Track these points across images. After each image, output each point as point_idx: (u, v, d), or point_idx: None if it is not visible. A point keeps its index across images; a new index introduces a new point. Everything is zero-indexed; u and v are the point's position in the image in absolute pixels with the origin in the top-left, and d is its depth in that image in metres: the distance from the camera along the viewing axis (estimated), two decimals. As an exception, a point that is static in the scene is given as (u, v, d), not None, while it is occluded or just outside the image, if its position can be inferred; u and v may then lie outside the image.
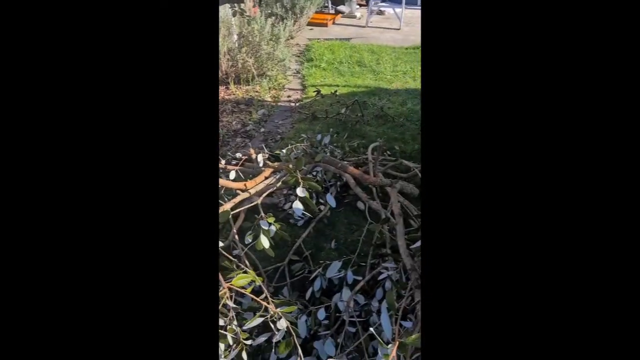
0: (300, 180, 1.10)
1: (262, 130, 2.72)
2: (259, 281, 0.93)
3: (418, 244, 1.11)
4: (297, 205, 1.03)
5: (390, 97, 3.09)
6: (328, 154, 1.94)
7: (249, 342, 0.85)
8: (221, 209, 1.10)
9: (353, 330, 1.01)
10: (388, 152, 2.26)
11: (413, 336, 0.71)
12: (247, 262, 1.17)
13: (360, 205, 1.96)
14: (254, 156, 1.44)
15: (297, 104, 3.05)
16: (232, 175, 1.40)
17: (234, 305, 0.84)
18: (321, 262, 1.52)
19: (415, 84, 3.41)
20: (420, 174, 1.80)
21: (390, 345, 0.70)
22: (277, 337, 0.81)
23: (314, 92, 2.81)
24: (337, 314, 1.13)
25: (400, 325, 0.90)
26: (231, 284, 0.84)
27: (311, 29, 5.04)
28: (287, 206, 1.92)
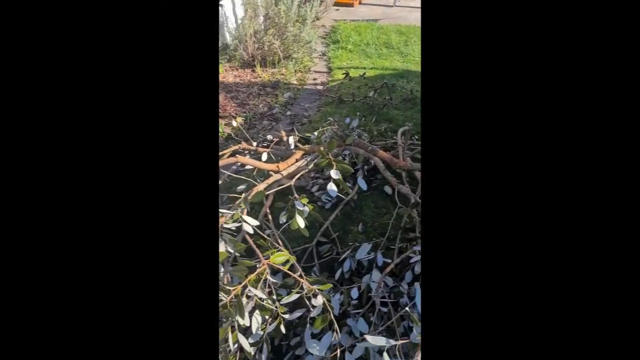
0: (333, 162, 1.11)
1: (289, 113, 2.72)
2: (293, 259, 0.96)
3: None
4: (331, 187, 1.04)
5: (418, 80, 3.01)
6: (360, 139, 1.93)
7: (286, 315, 0.88)
8: (255, 190, 1.13)
9: (385, 309, 1.03)
10: (416, 137, 2.22)
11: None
12: (279, 241, 1.21)
13: (387, 189, 1.95)
14: (284, 139, 1.46)
15: (324, 87, 3.03)
16: (265, 157, 1.43)
17: (274, 280, 0.87)
18: (350, 244, 1.54)
19: (445, 66, 3.29)
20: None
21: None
22: (314, 313, 0.84)
23: (343, 74, 2.77)
24: (367, 295, 1.15)
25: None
26: (269, 261, 0.87)
27: (337, 10, 4.93)
28: (314, 189, 1.95)
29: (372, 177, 2.04)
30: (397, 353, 0.75)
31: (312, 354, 0.90)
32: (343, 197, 1.89)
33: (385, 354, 0.74)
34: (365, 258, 1.30)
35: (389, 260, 1.27)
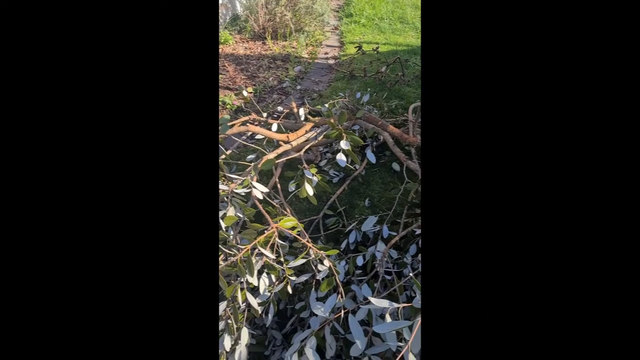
0: (343, 133, 1.11)
1: (299, 87, 2.70)
2: (301, 226, 0.98)
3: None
4: (341, 157, 1.04)
5: (433, 57, 2.94)
6: (366, 112, 1.91)
7: (293, 278, 0.91)
8: (265, 158, 1.14)
9: (389, 277, 1.05)
10: (427, 114, 2.19)
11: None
12: (287, 209, 1.23)
13: (395, 166, 1.95)
14: (295, 110, 1.46)
15: (335, 62, 2.98)
16: (275, 127, 1.43)
17: (282, 243, 0.90)
18: (356, 216, 1.56)
19: (461, 43, 3.20)
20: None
21: (428, 291, 0.73)
22: (320, 276, 0.87)
23: (355, 47, 2.71)
24: (372, 265, 1.18)
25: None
26: (278, 225, 0.89)
27: (351, -18, 4.76)
28: (322, 163, 1.96)
29: (380, 154, 2.03)
30: (399, 317, 0.78)
31: (316, 316, 0.94)
32: (351, 171, 1.90)
33: (387, 316, 0.76)
34: (371, 230, 1.32)
35: (395, 233, 1.29)
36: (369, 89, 2.40)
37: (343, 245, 1.35)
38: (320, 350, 1.03)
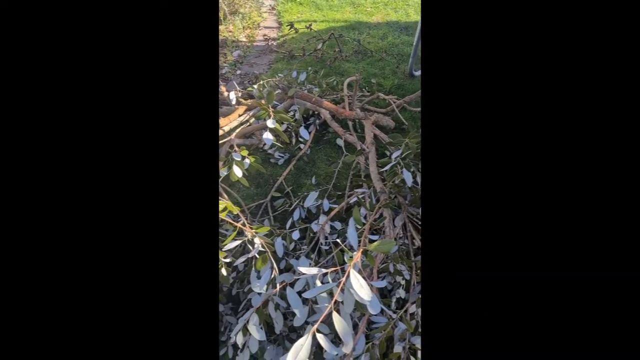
0: (271, 113, 1.11)
1: (239, 72, 2.63)
2: (235, 210, 0.98)
3: (387, 167, 1.16)
4: (267, 135, 1.04)
5: (370, 31, 2.96)
6: (306, 92, 1.91)
7: (227, 260, 0.92)
8: (195, 146, 1.11)
9: (327, 247, 1.09)
10: (366, 88, 2.23)
11: (375, 243, 0.78)
12: (225, 196, 1.21)
13: (339, 142, 1.98)
14: (225, 94, 1.42)
15: (274, 43, 2.92)
16: (205, 114, 1.39)
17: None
18: (304, 195, 1.58)
19: (397, 16, 3.24)
20: (396, 109, 1.81)
21: (354, 252, 0.77)
22: (253, 252, 0.88)
23: (287, 26, 2.66)
24: (316, 238, 1.20)
25: (369, 238, 0.97)
26: (206, 210, 0.88)
27: (286, -41, 4.62)
28: (266, 147, 1.94)
29: (323, 132, 2.05)
30: (330, 280, 0.81)
31: (260, 295, 0.95)
32: (297, 151, 1.90)
33: (317, 282, 0.79)
34: (314, 205, 1.34)
35: (335, 206, 1.32)
36: (309, 68, 2.39)
37: (289, 223, 1.37)
38: (270, 326, 1.05)
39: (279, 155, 1.89)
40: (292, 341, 1.13)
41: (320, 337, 0.65)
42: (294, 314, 1.11)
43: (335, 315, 0.67)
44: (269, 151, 1.92)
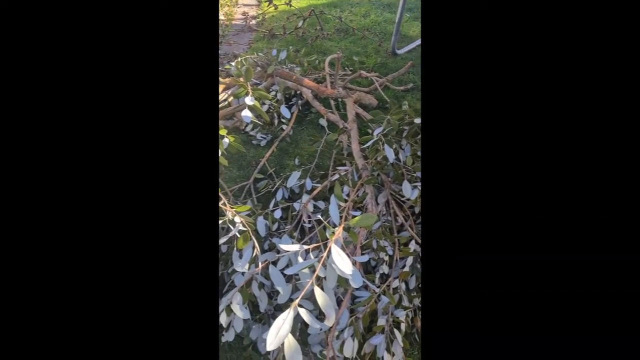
0: (249, 90, 1.07)
1: (218, 52, 2.54)
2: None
3: (369, 144, 1.15)
4: (246, 113, 1.01)
5: (352, 9, 2.89)
6: (287, 71, 1.86)
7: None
8: (171, 126, 1.07)
9: (309, 226, 1.08)
10: (348, 67, 2.19)
11: (356, 218, 0.78)
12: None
13: (322, 121, 1.96)
14: (203, 73, 1.37)
15: (253, 22, 2.82)
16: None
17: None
18: (282, 175, 1.57)
19: (379, -8, 3.17)
20: (379, 87, 1.79)
21: (336, 228, 0.76)
22: (234, 232, 0.86)
23: (266, 2, 2.57)
24: (299, 217, 1.20)
25: (351, 215, 0.97)
26: (183, 190, 0.86)
27: None
28: (249, 128, 1.90)
29: (306, 111, 2.02)
30: (312, 257, 0.81)
31: (242, 274, 0.95)
32: (279, 132, 1.87)
33: (299, 258, 0.79)
34: (296, 185, 1.33)
35: (319, 185, 1.31)
36: (290, 47, 2.32)
37: (272, 204, 1.36)
38: (254, 305, 1.05)
39: (261, 137, 1.85)
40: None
41: (303, 312, 0.65)
42: (278, 293, 1.12)
43: (316, 289, 0.67)
44: (251, 133, 1.88)
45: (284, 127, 1.88)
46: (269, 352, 1.10)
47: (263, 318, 1.13)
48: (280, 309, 1.18)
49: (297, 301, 0.64)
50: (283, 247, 0.75)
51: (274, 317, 1.15)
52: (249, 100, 1.00)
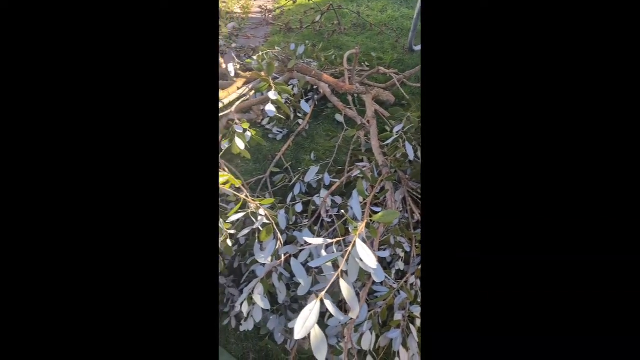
0: (272, 84, 1.08)
1: (234, 45, 2.55)
2: (237, 183, 0.98)
3: (389, 141, 1.16)
4: (270, 107, 1.02)
5: (370, 3, 2.87)
6: (306, 65, 1.86)
7: (232, 231, 0.92)
8: (194, 118, 1.09)
9: (329, 220, 1.10)
10: (366, 62, 2.19)
11: (379, 214, 0.79)
12: (225, 169, 1.21)
13: (338, 117, 1.96)
14: (224, 66, 1.38)
15: (270, 15, 2.82)
16: (203, 86, 1.36)
17: (213, 197, 0.89)
18: (302, 170, 1.58)
19: (397, -13, 3.14)
20: (397, 83, 1.78)
21: (359, 223, 0.78)
22: (257, 224, 0.88)
23: (286, -3, 2.57)
24: (318, 211, 1.21)
25: (372, 210, 0.98)
26: (209, 182, 0.88)
27: None
28: (265, 122, 1.92)
29: (322, 107, 2.03)
30: (335, 250, 0.82)
31: (263, 265, 0.97)
32: (295, 126, 1.88)
33: (323, 252, 0.81)
34: (314, 180, 1.34)
35: (337, 180, 1.32)
36: (307, 41, 2.33)
37: (289, 198, 1.37)
38: (273, 296, 1.07)
39: (278, 131, 1.87)
40: (294, 311, 1.16)
41: (328, 303, 0.66)
42: (295, 285, 1.13)
43: (342, 282, 0.68)
44: (267, 126, 1.90)
45: (300, 121, 1.89)
46: (285, 342, 1.13)
47: (280, 309, 1.15)
48: (296, 300, 1.21)
49: (323, 293, 0.65)
50: (308, 240, 0.77)
51: (291, 309, 1.18)
52: (272, 95, 1.01)
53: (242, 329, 1.09)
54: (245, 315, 0.95)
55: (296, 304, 1.19)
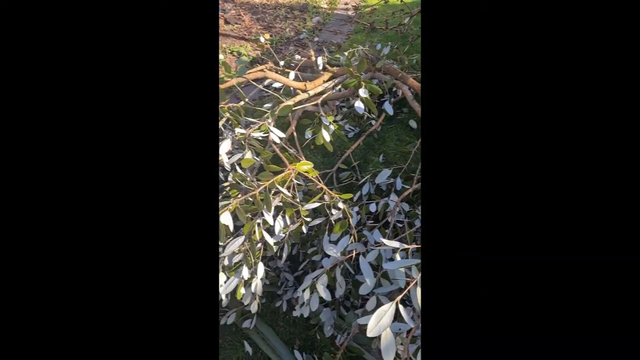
0: (362, 82, 1.09)
1: (316, 39, 2.60)
2: (314, 173, 1.00)
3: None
4: (359, 104, 1.03)
5: (460, 11, 2.76)
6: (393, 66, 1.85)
7: (308, 219, 0.95)
8: (282, 105, 1.13)
9: (400, 225, 1.08)
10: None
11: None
12: (303, 157, 1.24)
13: (412, 123, 1.92)
14: (313, 59, 1.42)
15: (355, 13, 2.83)
16: (292, 75, 1.41)
17: (299, 183, 0.92)
18: (370, 170, 1.57)
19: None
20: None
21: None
22: (334, 217, 0.90)
23: (377, -3, 2.56)
24: (384, 215, 1.20)
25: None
26: (295, 167, 0.91)
27: None
28: (338, 117, 1.94)
29: (398, 110, 1.99)
30: (408, 257, 0.81)
31: (328, 258, 0.98)
32: (367, 126, 1.87)
33: (397, 256, 0.80)
34: (385, 182, 1.33)
35: (408, 187, 1.30)
36: (389, 42, 2.30)
37: (356, 197, 1.38)
38: (330, 290, 1.09)
39: (350, 128, 1.88)
40: (346, 308, 1.16)
41: (401, 308, 0.66)
42: (354, 282, 1.14)
43: (419, 289, 0.67)
44: (340, 122, 1.91)
45: (373, 122, 1.88)
46: (334, 336, 1.14)
47: (334, 303, 1.16)
48: (348, 298, 1.21)
49: (400, 297, 0.64)
50: (385, 242, 0.76)
51: (343, 305, 1.19)
52: (362, 92, 1.01)
53: (295, 314, 1.11)
54: (303, 301, 0.98)
55: (348, 301, 1.20)
